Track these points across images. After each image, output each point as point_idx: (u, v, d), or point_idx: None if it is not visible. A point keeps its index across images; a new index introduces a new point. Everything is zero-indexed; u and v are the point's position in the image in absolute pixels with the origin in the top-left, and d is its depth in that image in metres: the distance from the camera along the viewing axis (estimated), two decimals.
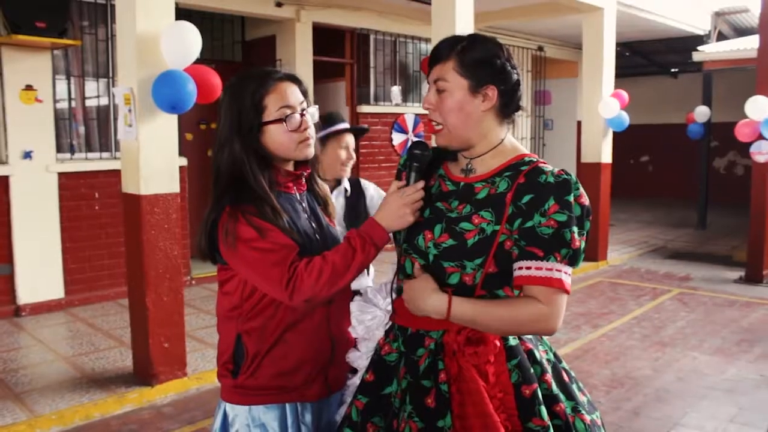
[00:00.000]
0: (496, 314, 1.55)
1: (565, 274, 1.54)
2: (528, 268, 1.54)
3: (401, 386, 1.64)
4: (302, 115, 1.82)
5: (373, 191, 3.17)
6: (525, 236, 1.54)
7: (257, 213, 1.71)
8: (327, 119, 2.93)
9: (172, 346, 4.41)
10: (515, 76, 1.66)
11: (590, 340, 5.55)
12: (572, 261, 1.55)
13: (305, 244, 1.76)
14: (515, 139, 1.75)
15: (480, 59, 1.61)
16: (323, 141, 2.85)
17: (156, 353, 4.33)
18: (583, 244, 1.56)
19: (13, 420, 3.86)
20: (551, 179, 1.55)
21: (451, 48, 1.63)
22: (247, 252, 1.70)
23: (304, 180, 1.93)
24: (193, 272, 7.26)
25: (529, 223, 1.54)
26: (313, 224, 1.88)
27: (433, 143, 1.78)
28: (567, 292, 1.55)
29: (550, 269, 1.53)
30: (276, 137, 1.79)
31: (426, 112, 1.71)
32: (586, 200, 1.58)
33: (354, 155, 3.00)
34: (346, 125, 2.98)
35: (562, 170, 1.58)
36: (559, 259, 1.53)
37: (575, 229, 1.53)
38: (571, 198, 1.54)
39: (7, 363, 4.80)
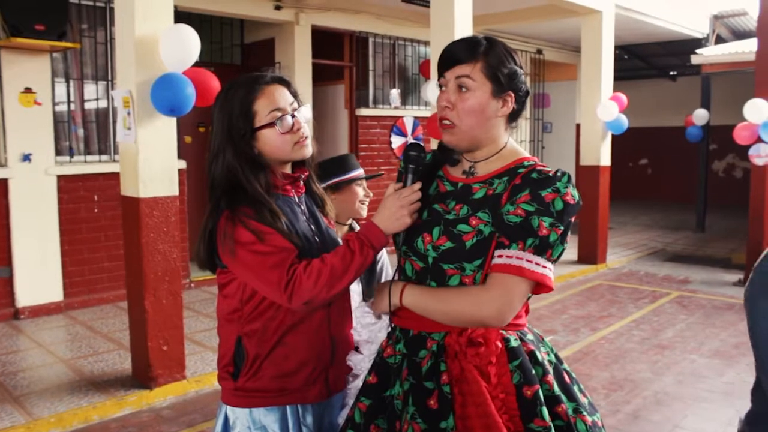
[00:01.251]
0: (438, 298, 1.60)
1: (529, 262, 1.54)
2: (495, 257, 1.57)
3: (404, 388, 1.64)
4: (293, 116, 1.82)
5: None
6: (496, 225, 1.57)
7: (256, 216, 1.72)
8: (340, 165, 2.63)
9: (171, 348, 4.40)
10: (527, 86, 1.71)
11: (589, 342, 5.55)
12: (539, 250, 1.55)
13: (304, 246, 1.76)
14: (515, 141, 1.76)
15: (505, 65, 1.64)
16: (337, 186, 2.57)
17: (155, 356, 4.32)
18: (554, 236, 1.55)
19: (12, 423, 3.86)
20: (535, 175, 1.58)
21: (475, 49, 1.64)
22: (246, 255, 1.71)
23: (302, 182, 1.93)
24: (192, 275, 7.25)
25: (500, 211, 1.57)
26: (312, 227, 1.88)
27: (432, 146, 1.79)
28: (540, 283, 1.55)
29: (510, 257, 1.54)
30: (270, 141, 1.80)
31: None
32: (572, 199, 1.57)
33: (370, 193, 2.69)
34: (360, 172, 2.67)
35: (556, 170, 1.60)
36: (522, 247, 1.54)
37: (545, 219, 1.54)
38: (546, 192, 1.55)
39: (6, 366, 4.79)
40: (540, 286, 1.59)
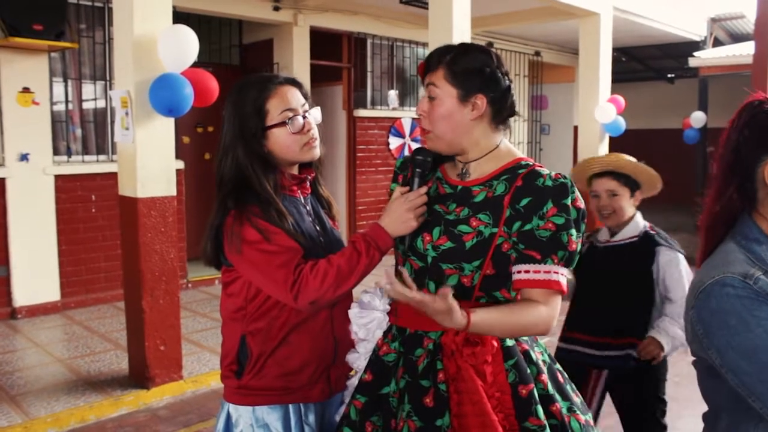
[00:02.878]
0: (508, 320, 1.56)
1: (562, 275, 1.57)
2: (527, 271, 1.57)
3: (399, 386, 1.65)
4: (304, 117, 1.84)
5: None
6: (523, 239, 1.57)
7: (262, 215, 1.73)
8: None
9: (168, 348, 4.40)
10: (505, 83, 1.67)
11: None
12: (568, 263, 1.58)
13: (309, 246, 1.78)
14: (513, 143, 1.77)
15: (469, 68, 1.64)
16: None
17: (152, 356, 4.32)
18: (578, 247, 1.58)
19: (8, 423, 3.86)
20: (549, 182, 1.58)
21: (442, 57, 1.66)
22: (253, 254, 1.72)
23: (308, 183, 1.94)
24: (190, 275, 7.25)
25: (528, 227, 1.56)
26: (317, 227, 1.89)
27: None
28: (564, 293, 1.58)
29: (548, 272, 1.55)
30: (280, 140, 1.82)
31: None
32: (581, 203, 1.60)
33: None
34: None
35: (559, 173, 1.61)
36: (556, 261, 1.55)
37: (573, 232, 1.56)
38: (569, 201, 1.56)
39: (3, 365, 4.79)
40: None
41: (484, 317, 1.53)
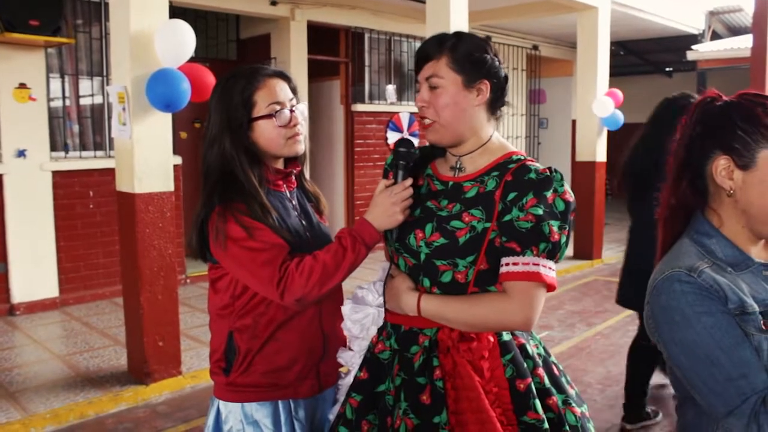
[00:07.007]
0: (460, 308, 1.57)
1: (544, 267, 1.54)
2: (507, 264, 1.56)
3: (395, 384, 1.64)
4: (291, 111, 1.83)
5: None
6: (504, 231, 1.56)
7: (247, 211, 1.72)
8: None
9: (167, 344, 4.40)
10: (504, 71, 1.69)
11: (585, 338, 5.57)
12: (551, 255, 1.55)
13: (295, 242, 1.76)
14: (511, 137, 1.76)
15: (472, 54, 1.63)
16: None
17: (151, 352, 4.32)
18: (564, 239, 1.56)
19: (7, 419, 3.86)
20: (533, 176, 1.57)
21: (441, 45, 1.64)
22: (238, 251, 1.71)
23: (293, 177, 1.93)
24: (188, 271, 7.25)
25: (507, 217, 1.55)
26: (303, 222, 1.88)
27: (418, 143, 1.77)
28: (548, 285, 1.56)
29: (527, 263, 1.54)
30: (266, 133, 1.80)
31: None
32: (570, 197, 1.58)
33: None
34: None
35: (548, 167, 1.60)
36: (536, 252, 1.53)
37: (554, 222, 1.54)
38: (549, 193, 1.55)
39: (1, 362, 4.78)
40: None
41: (434, 303, 1.58)
